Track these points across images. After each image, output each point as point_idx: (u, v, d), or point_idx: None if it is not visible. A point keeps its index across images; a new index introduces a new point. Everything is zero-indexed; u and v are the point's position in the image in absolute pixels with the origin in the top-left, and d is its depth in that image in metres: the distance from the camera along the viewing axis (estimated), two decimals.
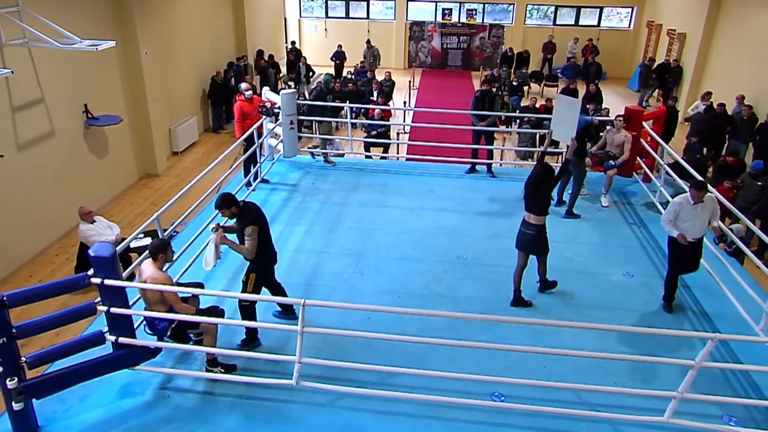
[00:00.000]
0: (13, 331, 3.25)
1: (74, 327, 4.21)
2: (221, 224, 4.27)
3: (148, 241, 6.17)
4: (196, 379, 3.90)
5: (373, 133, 9.44)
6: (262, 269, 4.21)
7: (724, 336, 3.82)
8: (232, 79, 12.55)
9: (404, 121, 11.10)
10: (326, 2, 18.98)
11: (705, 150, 10.61)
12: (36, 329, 3.43)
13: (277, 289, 4.39)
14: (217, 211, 4.18)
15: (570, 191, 6.41)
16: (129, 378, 3.84)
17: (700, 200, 4.53)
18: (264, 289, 4.31)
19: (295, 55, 15.25)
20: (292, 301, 4.24)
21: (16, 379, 3.28)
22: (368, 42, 16.51)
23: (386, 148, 9.91)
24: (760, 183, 7.17)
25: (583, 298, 4.95)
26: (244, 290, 4.17)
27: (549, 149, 5.93)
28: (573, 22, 18.49)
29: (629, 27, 18.36)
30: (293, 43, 16.59)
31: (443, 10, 18.76)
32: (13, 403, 3.33)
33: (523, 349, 3.67)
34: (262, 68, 14.01)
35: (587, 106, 6.96)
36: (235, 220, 4.18)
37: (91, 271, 3.51)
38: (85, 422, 3.57)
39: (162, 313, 3.75)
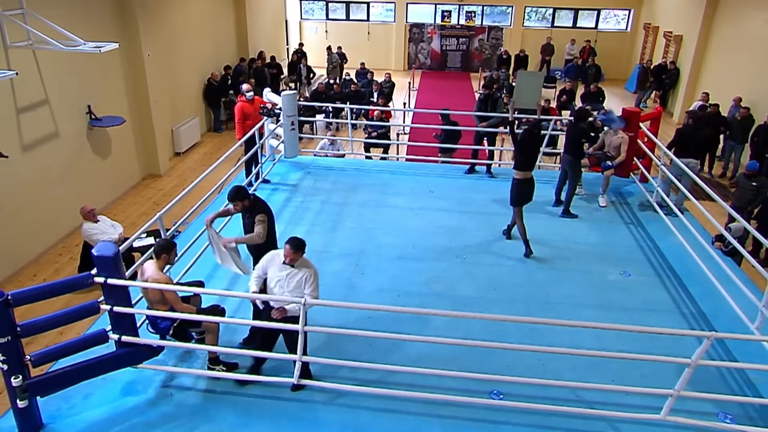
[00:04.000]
0: (18, 329, 3.28)
1: (78, 325, 4.26)
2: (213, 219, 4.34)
3: (150, 240, 6.23)
4: (198, 377, 3.94)
5: (374, 134, 9.50)
6: None
7: (720, 335, 3.86)
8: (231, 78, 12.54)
9: (404, 122, 11.15)
10: (327, 4, 19.05)
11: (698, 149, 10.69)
12: (40, 328, 3.46)
13: None
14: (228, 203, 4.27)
15: (567, 191, 6.46)
16: (132, 376, 3.88)
17: (291, 264, 3.66)
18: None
19: (298, 57, 15.30)
20: (293, 300, 4.27)
21: (21, 377, 3.30)
22: (329, 48, 16.17)
23: (386, 148, 9.97)
24: (755, 183, 7.22)
25: (580, 296, 5.00)
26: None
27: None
28: (571, 24, 18.55)
29: (626, 29, 18.44)
30: (301, 45, 16.63)
31: (442, 12, 18.82)
32: (17, 401, 3.35)
33: (521, 348, 3.71)
34: (259, 69, 13.94)
35: (586, 107, 7.07)
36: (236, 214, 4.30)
37: (94, 271, 3.54)
38: (89, 419, 3.61)
39: (164, 313, 3.79)
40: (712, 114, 10.33)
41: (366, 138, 9.54)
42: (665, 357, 3.55)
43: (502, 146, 10.15)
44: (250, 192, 4.34)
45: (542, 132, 5.95)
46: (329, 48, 16.21)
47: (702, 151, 10.53)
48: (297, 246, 3.65)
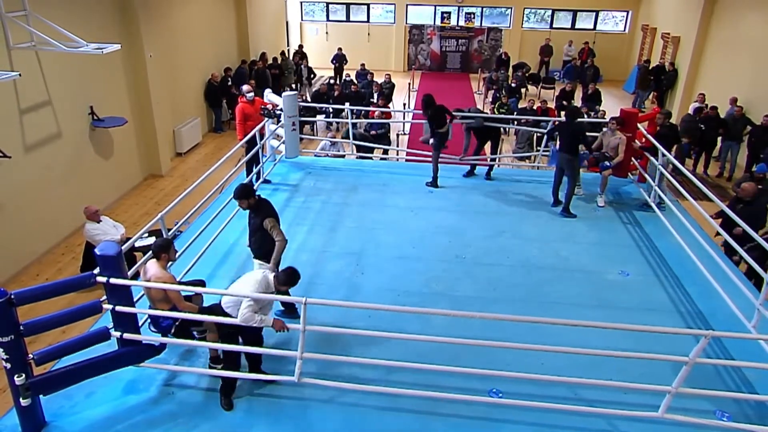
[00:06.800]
0: (21, 328, 3.30)
1: (80, 324, 4.28)
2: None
3: (152, 240, 6.24)
4: (199, 375, 3.96)
5: (372, 132, 9.53)
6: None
7: (717, 333, 3.90)
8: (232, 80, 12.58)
9: (404, 124, 11.19)
10: (327, 6, 19.10)
11: (693, 151, 10.82)
12: (43, 327, 3.49)
13: None
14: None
15: (566, 190, 6.49)
16: (134, 375, 3.90)
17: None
18: None
19: (299, 58, 15.32)
20: (294, 299, 4.29)
21: (24, 375, 3.33)
22: (282, 53, 16.01)
23: (386, 149, 10.00)
24: (759, 187, 7.22)
25: (579, 296, 5.02)
26: None
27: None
28: (569, 26, 18.61)
29: (624, 30, 18.50)
30: (301, 46, 16.64)
31: (442, 13, 18.88)
32: (20, 399, 3.38)
33: (521, 347, 3.72)
34: (261, 70, 13.96)
35: (581, 109, 7.11)
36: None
37: (97, 270, 3.57)
38: (91, 418, 3.63)
39: (166, 311, 3.81)
40: (711, 116, 10.40)
41: (365, 139, 9.56)
42: (663, 356, 3.58)
43: (500, 148, 10.22)
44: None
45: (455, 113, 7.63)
46: (283, 53, 16.01)
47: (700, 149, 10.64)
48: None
